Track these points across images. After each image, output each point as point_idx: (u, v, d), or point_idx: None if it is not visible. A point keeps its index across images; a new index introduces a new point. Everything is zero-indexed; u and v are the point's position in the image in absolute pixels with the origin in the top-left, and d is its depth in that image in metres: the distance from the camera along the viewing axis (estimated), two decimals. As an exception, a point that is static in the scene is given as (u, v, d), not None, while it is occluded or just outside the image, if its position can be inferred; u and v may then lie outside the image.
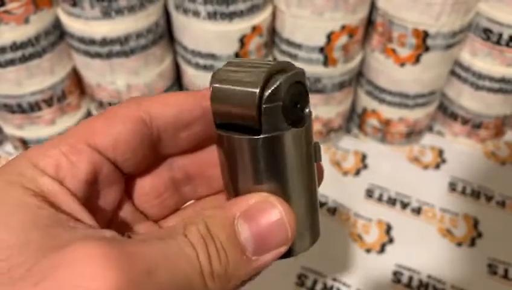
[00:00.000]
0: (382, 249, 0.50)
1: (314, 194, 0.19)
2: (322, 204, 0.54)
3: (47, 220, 0.15)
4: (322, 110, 0.55)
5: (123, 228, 0.21)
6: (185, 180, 0.22)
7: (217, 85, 0.17)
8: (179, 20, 0.48)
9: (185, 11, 0.46)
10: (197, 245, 0.16)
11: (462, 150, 0.60)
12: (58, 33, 0.49)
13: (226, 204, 0.18)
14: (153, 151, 0.20)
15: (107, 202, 0.20)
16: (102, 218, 0.19)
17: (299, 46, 0.49)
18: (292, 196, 0.18)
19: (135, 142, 0.19)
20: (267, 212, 0.17)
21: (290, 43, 0.50)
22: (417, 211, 0.54)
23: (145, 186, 0.21)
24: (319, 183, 0.19)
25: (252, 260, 0.17)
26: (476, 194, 0.55)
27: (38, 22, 0.46)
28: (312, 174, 0.18)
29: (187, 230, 0.16)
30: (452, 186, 0.56)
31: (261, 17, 0.47)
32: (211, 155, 0.21)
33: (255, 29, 0.47)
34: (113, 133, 0.18)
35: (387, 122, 0.58)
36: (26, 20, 0.45)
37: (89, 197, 0.18)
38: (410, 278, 0.48)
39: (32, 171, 0.17)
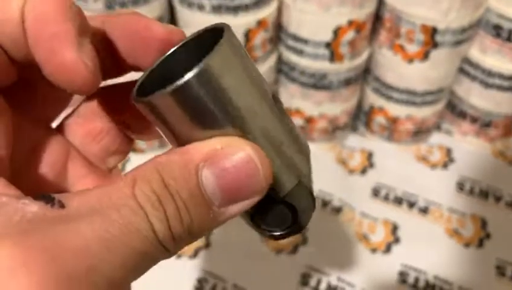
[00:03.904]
0: (388, 249, 0.49)
1: (284, 124, 0.16)
2: (327, 203, 0.53)
3: None
4: (328, 107, 0.55)
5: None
6: None
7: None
8: (184, 13, 0.47)
9: (190, 5, 0.45)
10: (150, 211, 0.13)
11: (470, 150, 0.59)
12: (61, 27, 0.48)
13: (183, 148, 0.14)
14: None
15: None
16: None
17: (305, 41, 0.48)
18: (255, 135, 0.15)
19: None
20: (235, 157, 0.14)
21: (296, 38, 0.49)
22: (424, 210, 0.53)
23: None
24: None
25: (220, 213, 0.14)
26: (484, 194, 0.54)
27: (42, 15, 0.46)
28: (270, 103, 0.16)
29: (137, 188, 0.13)
30: (460, 186, 0.55)
31: (267, 12, 0.47)
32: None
33: (260, 23, 0.47)
34: None
35: (394, 120, 0.57)
36: (30, 13, 0.45)
37: None
38: (417, 279, 0.47)
39: None
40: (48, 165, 0.17)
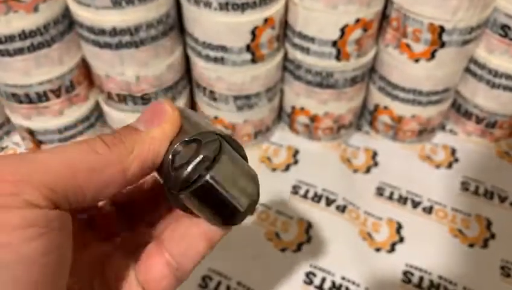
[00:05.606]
0: (392, 248, 0.49)
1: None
2: (332, 201, 0.53)
3: None
4: (333, 106, 0.55)
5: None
6: None
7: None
8: (190, 10, 0.47)
9: (197, 2, 0.45)
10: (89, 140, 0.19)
11: (474, 150, 0.59)
12: (67, 22, 0.48)
13: None
14: None
15: None
16: None
17: (311, 39, 0.48)
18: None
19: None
20: (152, 104, 0.21)
21: (302, 36, 0.49)
22: (428, 210, 0.53)
23: None
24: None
25: (147, 133, 0.20)
26: (489, 195, 0.54)
27: (48, 11, 0.46)
28: None
29: None
30: (464, 186, 0.55)
31: (274, 9, 0.46)
32: None
33: (267, 21, 0.46)
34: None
35: (399, 120, 0.57)
36: (36, 9, 0.45)
37: None
38: (421, 279, 0.47)
39: None
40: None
